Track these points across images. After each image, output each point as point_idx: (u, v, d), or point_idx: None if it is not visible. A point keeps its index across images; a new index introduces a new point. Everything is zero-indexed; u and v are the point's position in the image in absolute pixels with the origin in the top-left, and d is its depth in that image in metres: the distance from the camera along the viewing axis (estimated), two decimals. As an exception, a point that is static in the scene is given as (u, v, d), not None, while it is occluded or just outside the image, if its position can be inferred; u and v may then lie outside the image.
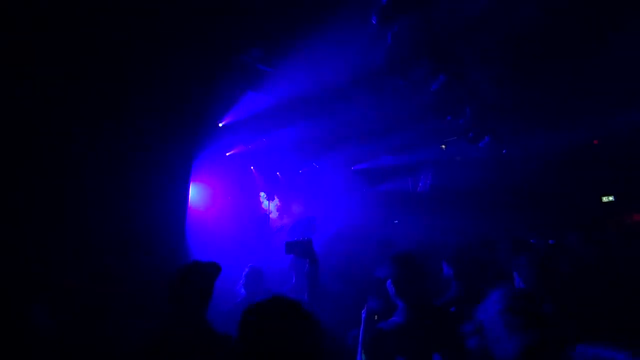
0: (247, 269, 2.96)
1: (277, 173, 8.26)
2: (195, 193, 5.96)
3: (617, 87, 5.35)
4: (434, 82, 4.86)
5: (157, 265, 3.08)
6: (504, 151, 7.39)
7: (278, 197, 8.14)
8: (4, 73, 2.58)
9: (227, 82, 4.85)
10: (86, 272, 2.83)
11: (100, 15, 2.96)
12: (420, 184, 8.43)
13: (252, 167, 7.49)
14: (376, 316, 2.02)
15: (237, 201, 7.22)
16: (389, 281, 1.95)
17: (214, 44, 4.03)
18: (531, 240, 3.29)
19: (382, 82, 5.19)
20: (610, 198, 7.47)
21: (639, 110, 5.93)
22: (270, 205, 7.73)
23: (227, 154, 7.13)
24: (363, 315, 2.09)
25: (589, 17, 3.88)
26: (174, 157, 3.81)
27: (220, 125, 5.96)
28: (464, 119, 6.07)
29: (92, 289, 2.77)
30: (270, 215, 7.55)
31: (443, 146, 7.80)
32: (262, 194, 7.84)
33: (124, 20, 3.14)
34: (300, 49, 4.21)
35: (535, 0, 3.63)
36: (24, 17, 2.59)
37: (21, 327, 1.60)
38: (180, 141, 3.88)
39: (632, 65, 4.71)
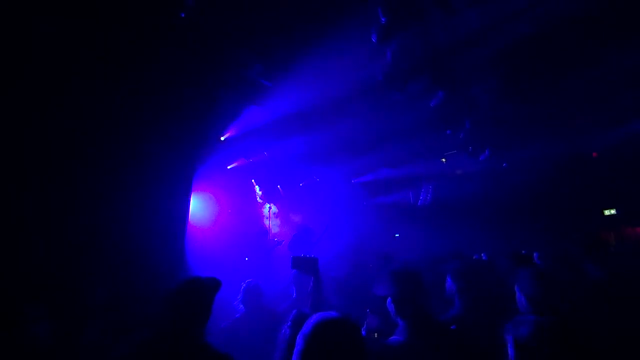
0: (245, 285, 2.92)
1: (278, 186, 8.26)
2: (196, 206, 5.96)
3: (616, 99, 5.40)
4: (432, 98, 4.92)
5: (156, 278, 3.05)
6: (504, 164, 7.40)
7: (279, 210, 8.13)
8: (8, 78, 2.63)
9: (230, 96, 4.91)
10: (83, 281, 2.81)
11: (111, 28, 3.05)
12: (421, 198, 8.41)
13: (253, 180, 7.50)
14: (376, 334, 1.98)
15: (238, 214, 7.21)
16: (389, 299, 1.90)
17: (218, 59, 4.11)
18: (534, 254, 3.25)
19: (382, 97, 5.24)
20: (612, 211, 7.42)
21: (637, 122, 5.97)
22: (270, 219, 7.70)
23: (229, 167, 7.17)
24: (362, 334, 2.05)
25: (586, 32, 3.94)
26: (175, 171, 3.83)
27: (222, 139, 6.01)
28: (464, 133, 6.11)
29: (88, 299, 2.75)
30: (271, 229, 7.52)
31: (443, 160, 7.82)
32: (263, 205, 7.83)
33: (133, 33, 3.22)
34: (301, 64, 4.29)
35: (531, 17, 3.70)
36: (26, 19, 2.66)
37: (18, 329, 1.57)
38: (181, 154, 3.91)
39: (632, 78, 4.76)
